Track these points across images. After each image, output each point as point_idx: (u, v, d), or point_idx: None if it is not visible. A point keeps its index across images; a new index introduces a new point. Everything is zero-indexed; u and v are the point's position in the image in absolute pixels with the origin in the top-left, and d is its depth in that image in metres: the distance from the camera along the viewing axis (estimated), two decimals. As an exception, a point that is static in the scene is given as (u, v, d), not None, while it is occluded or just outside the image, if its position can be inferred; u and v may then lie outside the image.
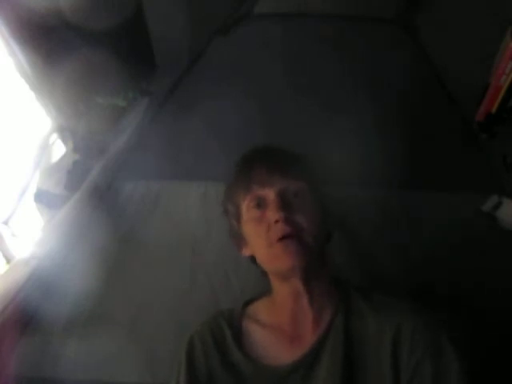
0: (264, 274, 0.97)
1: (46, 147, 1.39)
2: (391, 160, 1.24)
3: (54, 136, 1.40)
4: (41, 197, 1.32)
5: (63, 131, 1.38)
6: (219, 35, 1.48)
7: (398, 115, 1.32)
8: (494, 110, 1.05)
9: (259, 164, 0.95)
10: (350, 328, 0.89)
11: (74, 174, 1.32)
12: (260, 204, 0.92)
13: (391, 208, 1.27)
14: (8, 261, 1.38)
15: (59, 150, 1.40)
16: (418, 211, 1.27)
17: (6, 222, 1.40)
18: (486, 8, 1.09)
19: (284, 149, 0.99)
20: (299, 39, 1.44)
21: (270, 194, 0.91)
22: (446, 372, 0.81)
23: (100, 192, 1.31)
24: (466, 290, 1.17)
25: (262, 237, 0.90)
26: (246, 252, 0.97)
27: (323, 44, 1.42)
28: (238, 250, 0.99)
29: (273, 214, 0.88)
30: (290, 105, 1.37)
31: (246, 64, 1.43)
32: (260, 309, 0.98)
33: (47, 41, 1.13)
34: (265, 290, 1.00)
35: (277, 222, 0.87)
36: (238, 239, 0.98)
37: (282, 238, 0.87)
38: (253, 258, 0.97)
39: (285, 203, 0.89)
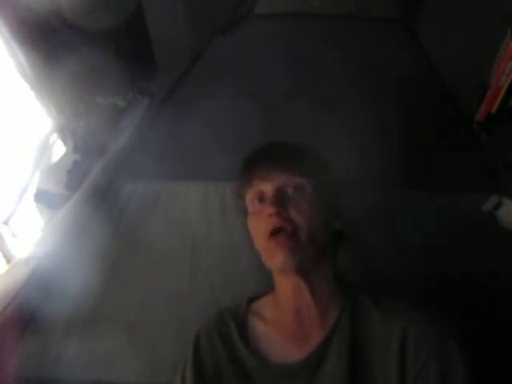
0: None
1: (46, 147, 1.40)
2: (391, 160, 1.24)
3: (54, 136, 1.40)
4: (41, 197, 1.33)
5: (63, 131, 1.38)
6: (219, 35, 1.48)
7: (398, 115, 1.32)
8: (494, 109, 1.05)
9: (261, 159, 0.96)
10: (357, 328, 0.88)
11: (73, 173, 1.32)
12: (261, 198, 0.92)
13: (391, 208, 1.27)
14: (8, 261, 1.39)
15: (59, 149, 1.41)
16: (417, 211, 1.27)
17: (6, 222, 1.40)
18: (486, 8, 1.09)
19: (293, 144, 0.98)
20: (299, 39, 1.44)
21: (269, 188, 0.91)
22: (451, 373, 0.81)
23: (100, 192, 1.30)
24: (466, 290, 1.17)
25: (260, 230, 0.90)
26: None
27: (323, 44, 1.42)
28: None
29: (267, 208, 0.89)
30: (289, 105, 1.36)
31: (246, 64, 1.43)
32: (264, 306, 0.98)
33: (47, 41, 1.14)
34: (265, 290, 1.00)
35: (270, 215, 0.88)
36: (249, 233, 0.98)
37: (274, 234, 0.87)
38: None
39: (281, 198, 0.89)
